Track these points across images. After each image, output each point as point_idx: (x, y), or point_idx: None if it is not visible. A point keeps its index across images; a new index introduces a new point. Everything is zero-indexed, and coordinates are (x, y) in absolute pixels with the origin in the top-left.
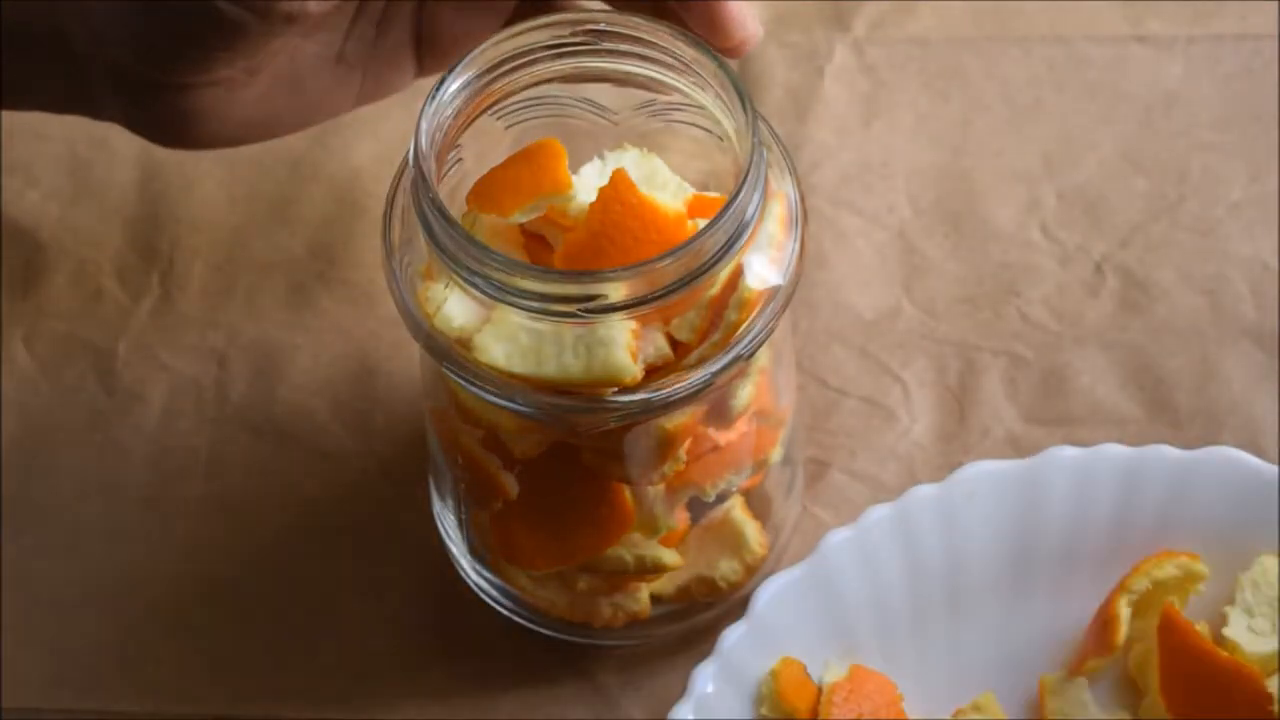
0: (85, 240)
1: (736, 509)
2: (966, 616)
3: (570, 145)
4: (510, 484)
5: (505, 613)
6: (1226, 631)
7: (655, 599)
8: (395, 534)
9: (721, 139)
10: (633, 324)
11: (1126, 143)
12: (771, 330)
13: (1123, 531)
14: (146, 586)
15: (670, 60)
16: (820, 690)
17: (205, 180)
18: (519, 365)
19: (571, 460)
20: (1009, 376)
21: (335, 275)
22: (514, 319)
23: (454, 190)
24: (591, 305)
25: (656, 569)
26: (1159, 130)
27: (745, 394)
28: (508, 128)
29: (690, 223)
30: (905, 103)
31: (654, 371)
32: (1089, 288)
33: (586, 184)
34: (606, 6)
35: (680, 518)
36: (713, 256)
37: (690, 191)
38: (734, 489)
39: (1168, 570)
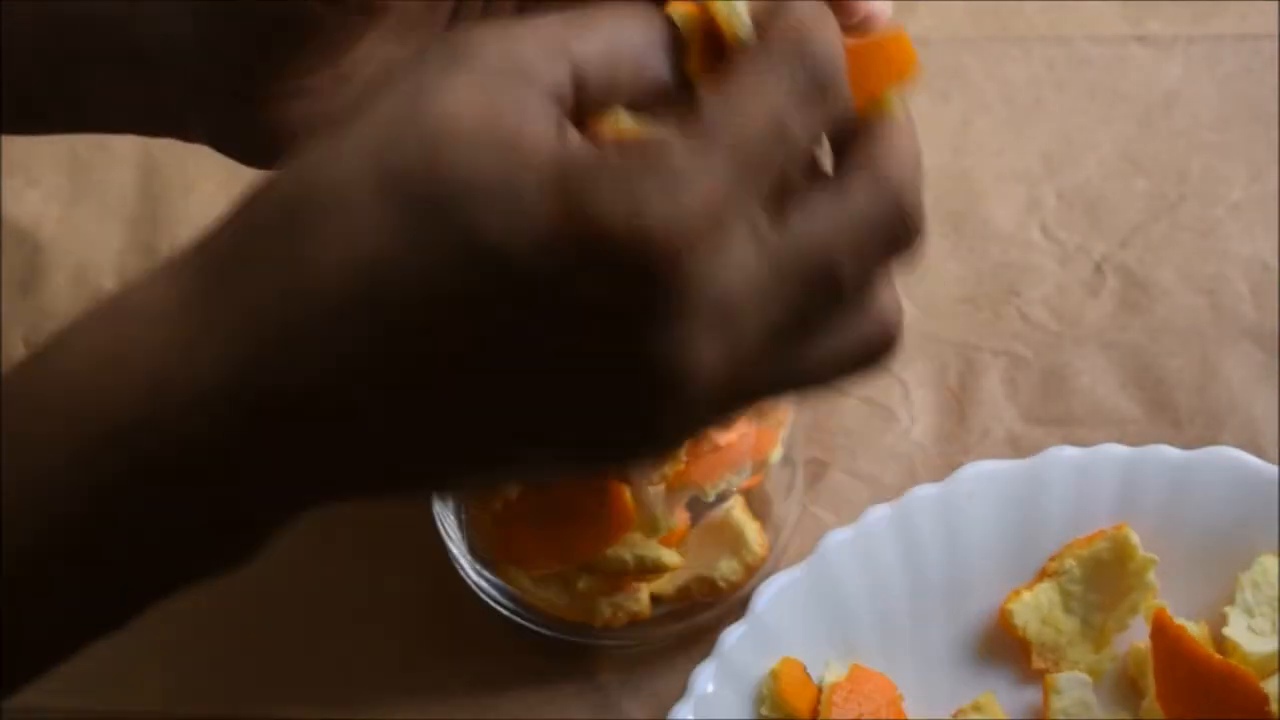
0: (85, 240)
1: (736, 509)
2: (967, 616)
3: None
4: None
5: (505, 613)
6: (1226, 631)
7: (655, 599)
8: (395, 534)
9: None
10: None
11: (1126, 143)
12: None
13: None
14: None
15: None
16: (820, 690)
17: (205, 180)
18: None
19: None
20: (1009, 376)
21: None
22: None
23: None
24: None
25: (656, 569)
26: (1159, 130)
27: None
28: None
29: None
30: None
31: None
32: (1089, 288)
33: None
34: None
35: (680, 518)
36: None
37: None
38: (734, 489)
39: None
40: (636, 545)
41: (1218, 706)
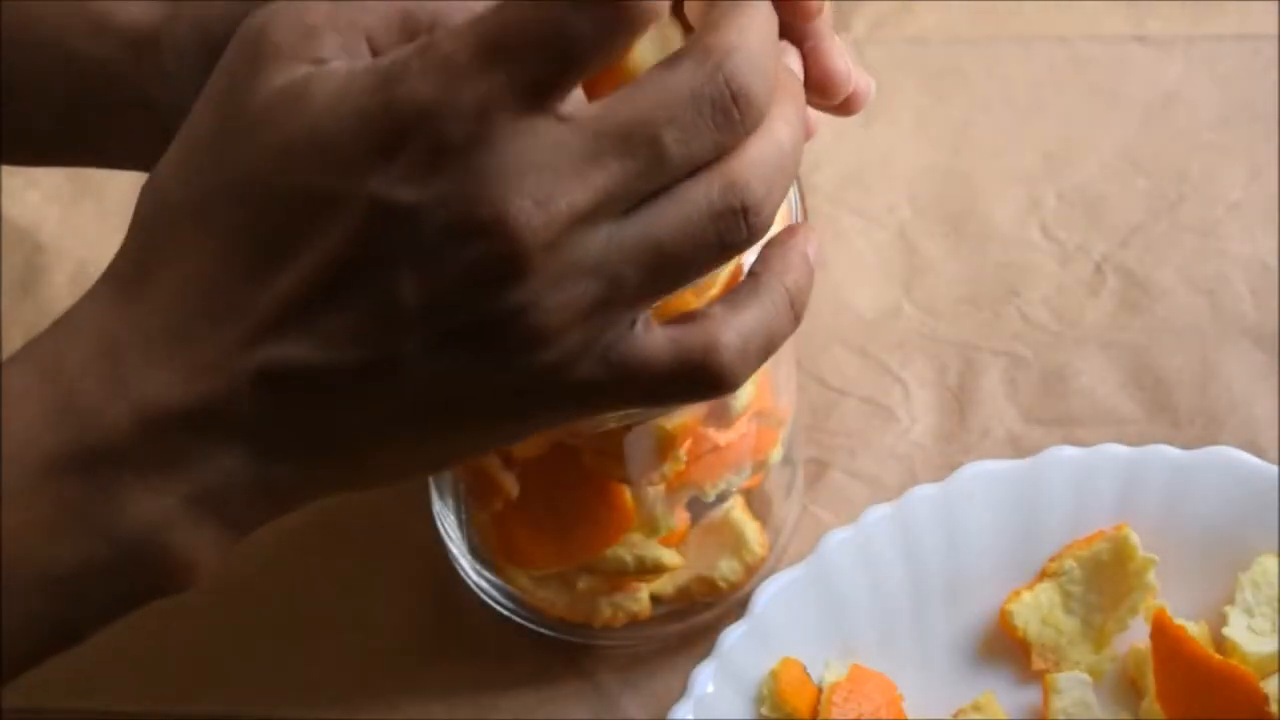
0: (85, 240)
1: (736, 509)
2: (967, 616)
3: None
4: (510, 484)
5: (505, 613)
6: (1226, 631)
7: (655, 599)
8: (395, 534)
9: None
10: None
11: (1126, 143)
12: None
13: None
14: None
15: None
16: (820, 690)
17: None
18: None
19: (571, 460)
20: (1009, 376)
21: None
22: None
23: None
24: None
25: (656, 569)
26: (1159, 130)
27: (745, 394)
28: None
29: None
30: (905, 103)
31: None
32: (1089, 288)
33: None
34: None
35: (680, 518)
36: None
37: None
38: (734, 489)
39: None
40: (636, 545)
41: (1218, 706)
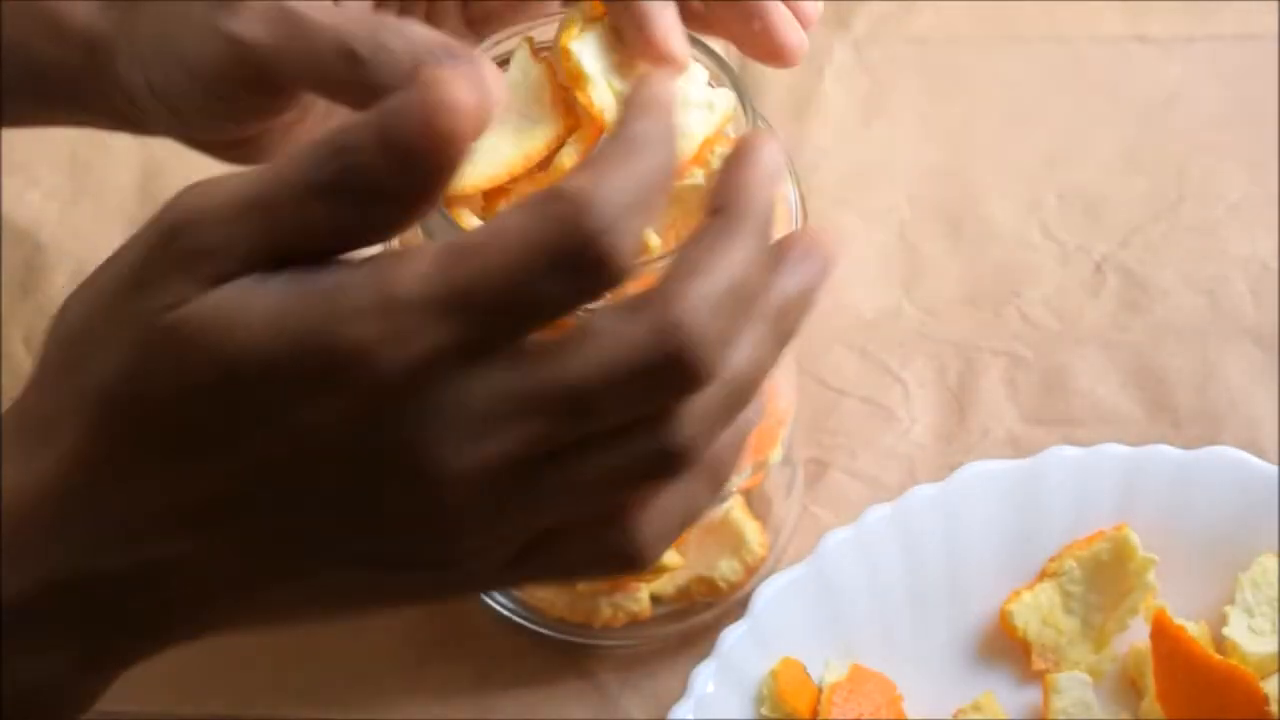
0: (85, 240)
1: (736, 509)
2: (967, 616)
3: None
4: None
5: (505, 613)
6: (1226, 631)
7: (655, 599)
8: None
9: None
10: None
11: (1126, 143)
12: None
13: None
14: None
15: None
16: (820, 690)
17: None
18: None
19: None
20: (1009, 376)
21: None
22: None
23: None
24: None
25: (657, 569)
26: (1159, 130)
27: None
28: None
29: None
30: (905, 103)
31: None
32: (1089, 288)
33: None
34: None
35: None
36: None
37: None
38: (734, 489)
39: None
40: None
41: (1218, 706)
